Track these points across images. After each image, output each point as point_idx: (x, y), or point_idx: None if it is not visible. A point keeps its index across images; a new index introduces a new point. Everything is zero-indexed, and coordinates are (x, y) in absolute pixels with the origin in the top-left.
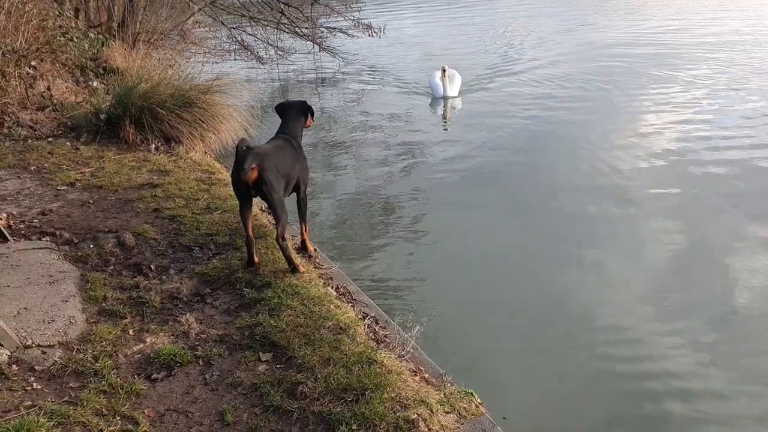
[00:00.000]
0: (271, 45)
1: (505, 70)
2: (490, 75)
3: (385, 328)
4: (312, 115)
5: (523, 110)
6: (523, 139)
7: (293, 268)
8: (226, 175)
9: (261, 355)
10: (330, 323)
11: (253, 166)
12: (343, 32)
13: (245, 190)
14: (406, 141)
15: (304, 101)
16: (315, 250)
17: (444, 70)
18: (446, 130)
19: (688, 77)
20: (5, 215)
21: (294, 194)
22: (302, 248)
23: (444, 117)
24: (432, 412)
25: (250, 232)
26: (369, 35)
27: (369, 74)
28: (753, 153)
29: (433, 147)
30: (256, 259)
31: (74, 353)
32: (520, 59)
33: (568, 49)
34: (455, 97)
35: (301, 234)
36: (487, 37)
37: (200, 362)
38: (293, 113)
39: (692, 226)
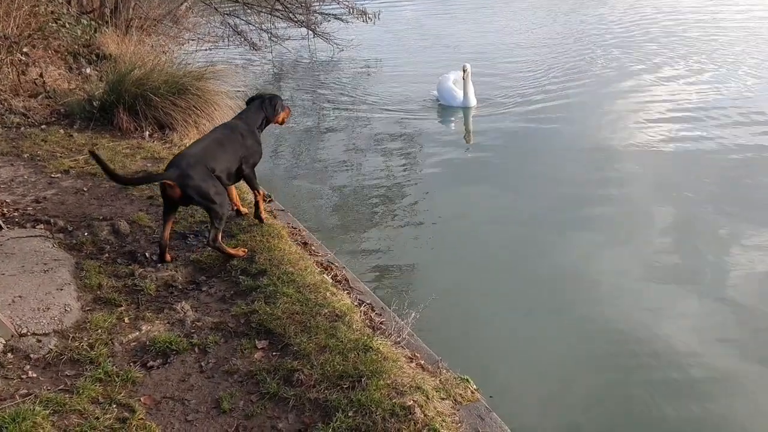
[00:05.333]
0: (264, 31)
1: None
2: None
3: (381, 315)
4: (271, 111)
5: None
6: (535, 140)
7: (233, 258)
8: None
9: (257, 342)
10: (326, 310)
11: (172, 184)
12: (338, 18)
13: (172, 202)
14: (405, 133)
15: (272, 96)
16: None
17: (465, 71)
18: (467, 148)
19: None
20: None
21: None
22: (256, 216)
23: (466, 138)
24: (428, 398)
25: (167, 236)
26: (363, 21)
27: (364, 62)
28: None
29: (435, 140)
30: (167, 257)
31: (70, 341)
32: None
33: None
34: (474, 106)
35: (255, 200)
36: (496, 25)
37: (196, 350)
38: (256, 105)
39: (704, 216)
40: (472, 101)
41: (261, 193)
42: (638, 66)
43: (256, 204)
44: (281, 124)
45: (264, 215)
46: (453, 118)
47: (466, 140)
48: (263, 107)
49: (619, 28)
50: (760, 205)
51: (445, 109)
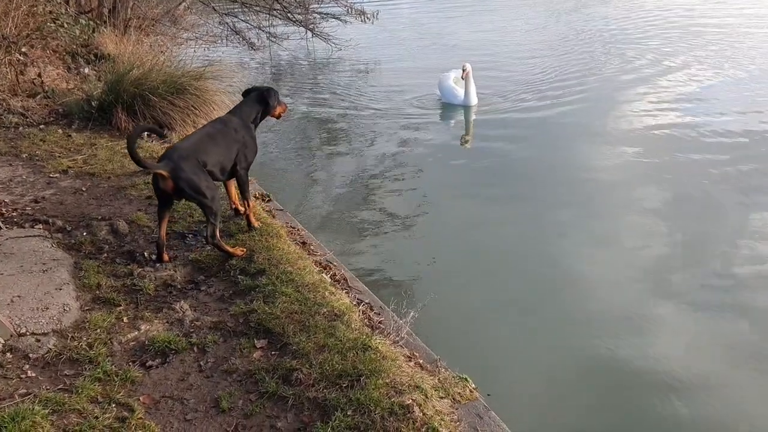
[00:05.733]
0: (263, 30)
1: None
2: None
3: (379, 314)
4: (270, 104)
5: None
6: (540, 135)
7: (232, 257)
8: None
9: (256, 341)
10: (325, 310)
11: (166, 175)
12: (336, 18)
13: (165, 196)
14: (405, 134)
15: (268, 89)
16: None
17: (464, 71)
18: (467, 148)
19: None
20: None
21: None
22: (248, 226)
23: (465, 136)
24: (427, 397)
25: (163, 234)
26: (362, 21)
27: (363, 62)
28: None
29: (435, 139)
30: (166, 257)
31: (69, 341)
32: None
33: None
34: (475, 105)
35: (245, 211)
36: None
37: (195, 349)
38: (252, 98)
39: (697, 214)
40: (473, 100)
41: (251, 205)
42: (645, 64)
43: (246, 216)
44: (277, 118)
45: (255, 223)
46: (453, 117)
47: (466, 139)
48: (259, 100)
49: (621, 26)
50: None
51: (446, 107)
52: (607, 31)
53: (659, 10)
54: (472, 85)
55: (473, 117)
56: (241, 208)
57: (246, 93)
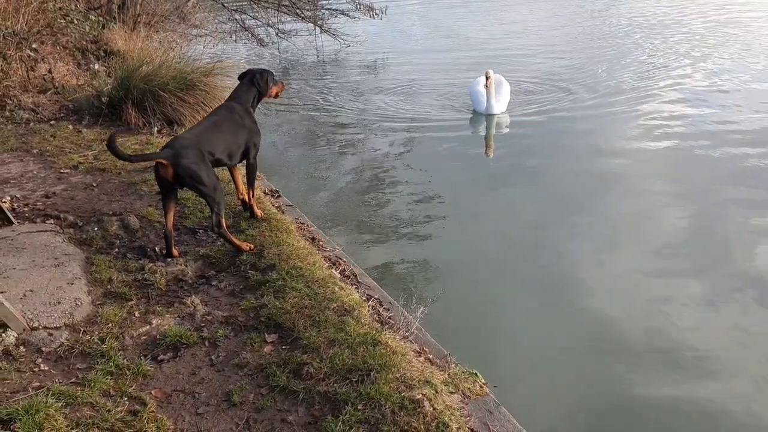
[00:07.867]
0: (271, 27)
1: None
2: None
3: (389, 309)
4: (264, 86)
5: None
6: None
7: (238, 250)
8: None
9: (266, 336)
10: (335, 305)
11: (165, 163)
12: (345, 14)
13: (167, 185)
14: (417, 135)
15: (262, 70)
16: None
17: (488, 79)
18: (485, 154)
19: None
20: (9, 198)
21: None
22: (251, 215)
23: (486, 146)
24: (437, 392)
25: (170, 226)
26: (371, 17)
27: (373, 58)
28: None
29: (452, 142)
30: (175, 252)
31: (81, 335)
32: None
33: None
34: (502, 113)
35: (248, 200)
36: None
37: (206, 343)
38: (246, 81)
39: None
40: (495, 109)
41: (255, 195)
42: (684, 65)
43: (250, 207)
44: (275, 97)
45: (258, 212)
46: (478, 123)
47: (487, 148)
48: (254, 83)
49: (664, 29)
50: None
51: (475, 113)
52: (653, 33)
53: (698, 8)
54: (495, 93)
55: (495, 126)
56: (247, 198)
57: (242, 76)
